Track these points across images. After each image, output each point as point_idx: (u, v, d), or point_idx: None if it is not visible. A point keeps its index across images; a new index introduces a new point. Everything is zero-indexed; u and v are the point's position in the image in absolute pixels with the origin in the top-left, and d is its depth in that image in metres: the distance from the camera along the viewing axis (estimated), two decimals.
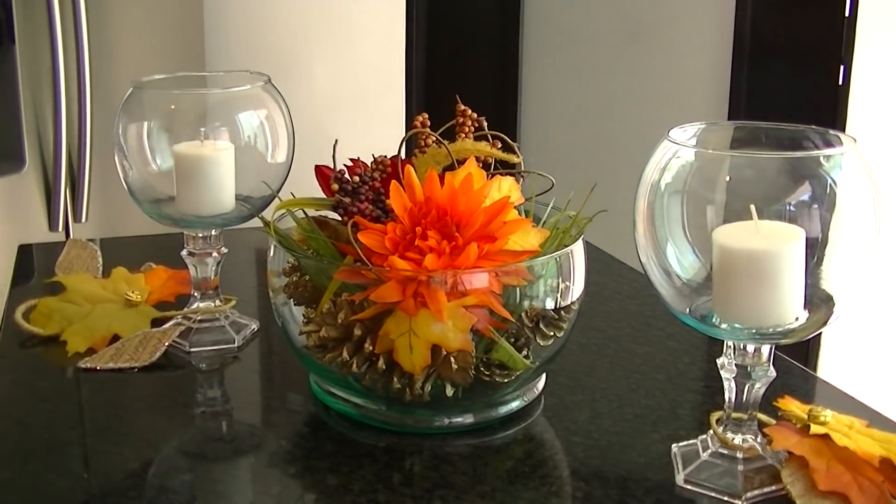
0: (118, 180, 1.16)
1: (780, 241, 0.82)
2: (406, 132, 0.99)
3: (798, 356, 1.24)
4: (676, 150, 0.85)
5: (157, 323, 1.19)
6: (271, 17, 2.93)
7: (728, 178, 0.84)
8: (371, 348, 0.92)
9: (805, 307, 0.84)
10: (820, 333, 2.45)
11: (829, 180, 0.83)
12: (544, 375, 1.06)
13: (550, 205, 1.04)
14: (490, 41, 3.39)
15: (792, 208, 0.83)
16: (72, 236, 2.27)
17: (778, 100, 2.65)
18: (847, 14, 2.48)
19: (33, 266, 1.49)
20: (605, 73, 3.13)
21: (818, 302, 0.85)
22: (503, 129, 1.05)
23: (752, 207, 0.82)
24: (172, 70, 1.22)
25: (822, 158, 0.84)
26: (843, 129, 2.46)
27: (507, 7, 3.34)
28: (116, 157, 1.14)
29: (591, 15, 3.15)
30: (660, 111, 2.96)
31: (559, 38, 3.27)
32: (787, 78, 2.62)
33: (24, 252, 1.52)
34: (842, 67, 2.50)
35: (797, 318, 0.84)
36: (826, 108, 2.51)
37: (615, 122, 3.11)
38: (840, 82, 2.50)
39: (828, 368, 2.60)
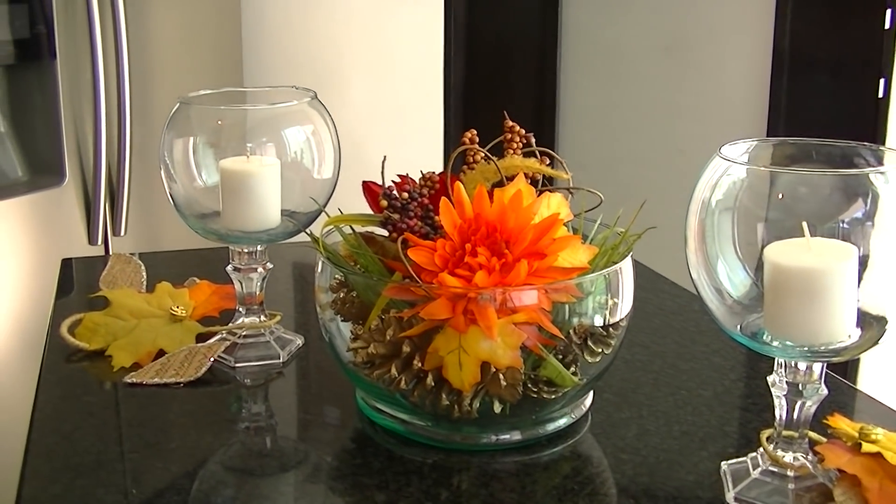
0: (157, 194, 1.17)
1: (833, 259, 0.81)
2: (445, 146, 0.99)
3: (838, 372, 1.23)
4: (727, 167, 0.85)
5: (201, 338, 1.19)
6: (309, 32, 2.94)
7: (780, 196, 0.83)
8: (420, 365, 0.92)
9: (857, 325, 0.84)
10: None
11: (882, 197, 0.82)
12: (591, 392, 1.05)
13: (598, 221, 1.04)
14: (528, 55, 3.39)
15: (845, 225, 0.82)
16: (111, 250, 2.28)
17: (818, 113, 2.64)
18: (887, 26, 2.46)
19: (74, 280, 1.50)
20: (642, 87, 3.13)
21: (871, 320, 0.84)
22: (541, 143, 1.05)
23: (805, 225, 0.81)
24: (211, 84, 1.23)
25: (874, 175, 0.83)
26: (883, 142, 2.45)
27: (546, 21, 3.33)
28: (162, 173, 1.15)
29: (629, 29, 3.15)
30: (698, 126, 2.95)
31: (597, 52, 3.27)
32: (826, 91, 2.61)
33: (66, 266, 1.53)
34: (882, 80, 2.49)
35: (849, 336, 0.83)
36: (866, 121, 2.49)
37: (653, 137, 3.10)
38: (881, 95, 2.48)
39: (868, 384, 2.58)
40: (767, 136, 2.69)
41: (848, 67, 2.57)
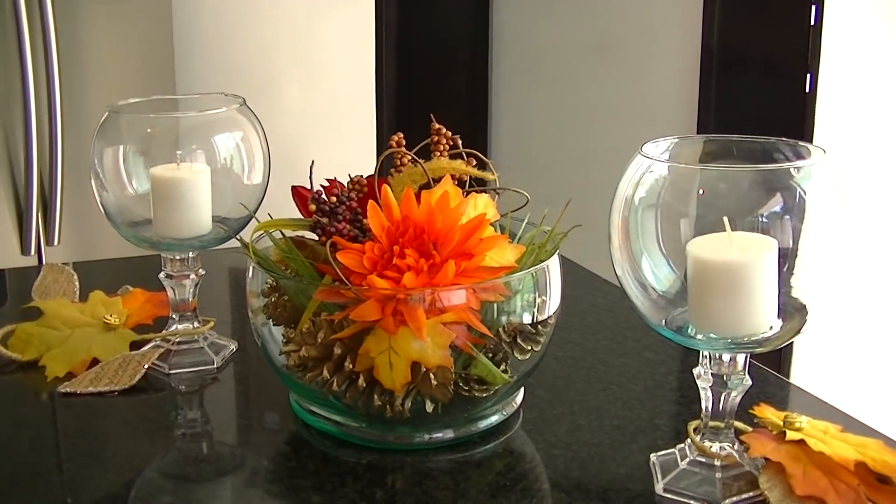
0: (90, 203, 1.17)
1: (754, 252, 0.83)
2: (378, 150, 1.00)
3: (771, 364, 1.25)
4: (650, 165, 0.87)
5: (135, 346, 1.19)
6: (241, 38, 2.93)
7: (701, 192, 0.85)
8: (351, 367, 0.93)
9: (779, 316, 0.86)
10: (793, 341, 2.47)
11: (800, 191, 0.84)
12: (522, 389, 1.07)
13: (525, 220, 1.05)
14: (460, 58, 3.41)
15: (764, 220, 0.84)
16: (44, 260, 2.27)
17: (747, 109, 2.67)
18: (812, 23, 2.50)
19: (7, 291, 1.49)
20: (574, 87, 3.15)
21: (792, 310, 0.86)
22: (475, 145, 1.06)
23: (726, 219, 0.83)
24: (143, 92, 1.23)
25: (792, 170, 0.85)
26: (811, 137, 2.48)
27: (477, 24, 3.35)
28: (93, 182, 1.15)
29: (560, 30, 3.17)
30: (630, 124, 2.98)
31: (528, 54, 3.29)
32: (754, 87, 2.64)
33: None
34: (808, 76, 2.53)
35: (771, 327, 0.85)
36: (794, 116, 2.53)
37: (586, 137, 3.13)
38: (807, 90, 2.52)
39: (801, 376, 2.62)
40: (698, 133, 2.72)
41: (776, 64, 2.60)
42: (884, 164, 2.46)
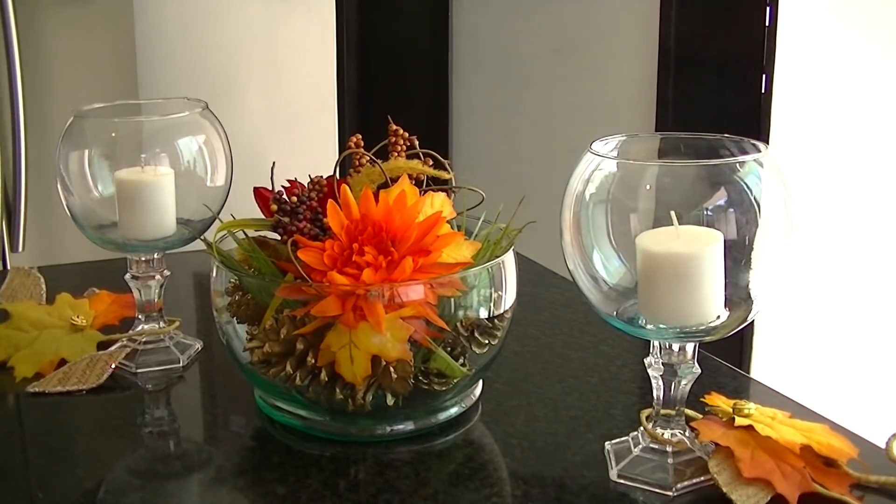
0: (54, 209, 1.19)
1: (700, 245, 0.86)
2: (340, 152, 1.02)
3: (732, 359, 1.28)
4: (599, 162, 0.90)
5: (102, 346, 1.21)
6: (203, 43, 2.95)
7: (648, 187, 0.88)
8: (313, 361, 0.96)
9: (726, 306, 0.89)
10: (752, 336, 2.51)
11: (744, 185, 0.87)
12: (481, 382, 1.10)
13: (482, 218, 1.08)
14: (421, 60, 3.43)
15: (709, 213, 0.87)
16: (9, 266, 2.28)
17: (704, 109, 2.70)
18: (767, 24, 2.54)
19: None
20: (534, 89, 3.18)
21: (738, 300, 0.89)
22: (436, 146, 1.09)
23: (673, 213, 0.86)
24: (107, 97, 1.25)
25: (736, 165, 0.88)
26: (767, 136, 2.52)
27: (437, 26, 3.37)
28: (58, 186, 1.17)
29: (520, 33, 3.20)
30: (589, 125, 3.00)
31: (488, 56, 3.32)
32: (711, 88, 2.68)
33: None
34: (764, 76, 2.56)
35: (719, 317, 0.88)
36: (750, 115, 2.56)
37: (546, 137, 3.15)
38: (763, 90, 2.55)
39: (760, 370, 2.66)
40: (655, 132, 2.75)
41: (732, 65, 2.64)
42: (838, 161, 2.50)
